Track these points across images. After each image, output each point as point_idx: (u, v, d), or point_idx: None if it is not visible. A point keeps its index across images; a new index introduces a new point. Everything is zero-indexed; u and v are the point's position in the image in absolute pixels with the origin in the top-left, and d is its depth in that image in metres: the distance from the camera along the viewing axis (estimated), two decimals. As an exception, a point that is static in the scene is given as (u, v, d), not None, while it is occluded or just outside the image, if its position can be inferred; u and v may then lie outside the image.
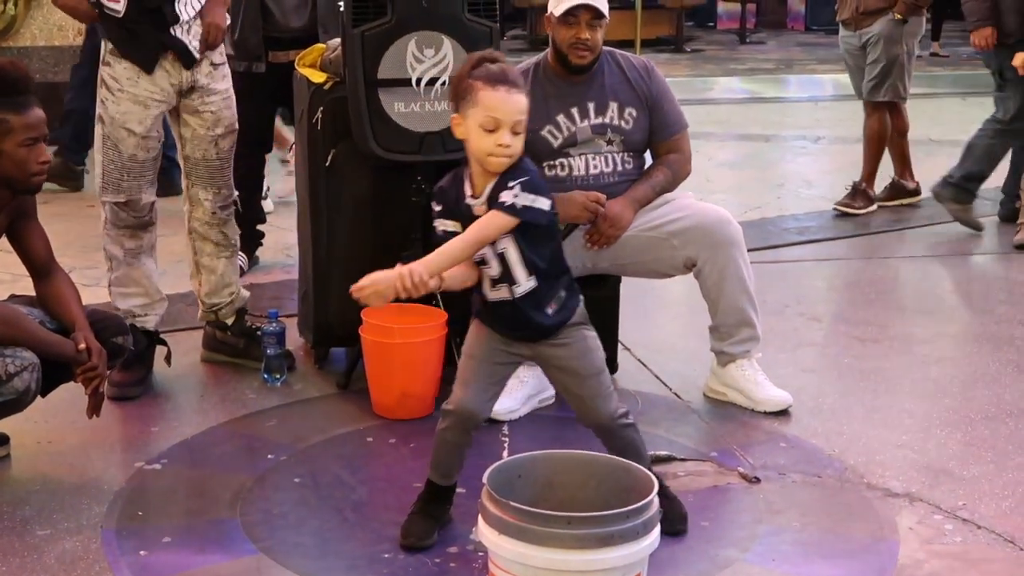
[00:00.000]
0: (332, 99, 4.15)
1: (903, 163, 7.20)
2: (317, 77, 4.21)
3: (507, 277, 3.01)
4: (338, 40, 4.17)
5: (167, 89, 4.11)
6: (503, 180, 2.92)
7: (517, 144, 2.93)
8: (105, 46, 4.10)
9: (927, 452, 3.80)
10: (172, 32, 4.04)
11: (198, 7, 4.08)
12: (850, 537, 3.28)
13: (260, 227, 5.57)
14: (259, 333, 4.38)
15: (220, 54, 4.24)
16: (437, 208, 3.07)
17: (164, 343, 4.21)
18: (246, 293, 4.54)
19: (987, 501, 3.47)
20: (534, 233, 2.98)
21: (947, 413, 4.12)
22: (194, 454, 3.76)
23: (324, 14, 5.06)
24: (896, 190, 7.19)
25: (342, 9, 4.08)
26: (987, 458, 3.78)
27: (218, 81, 4.23)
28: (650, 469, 2.98)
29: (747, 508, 3.44)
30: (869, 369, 4.55)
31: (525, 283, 3.02)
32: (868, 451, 3.79)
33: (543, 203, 2.94)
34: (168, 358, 4.18)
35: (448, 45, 3.94)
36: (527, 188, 2.91)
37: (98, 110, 4.12)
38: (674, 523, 3.18)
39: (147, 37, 4.03)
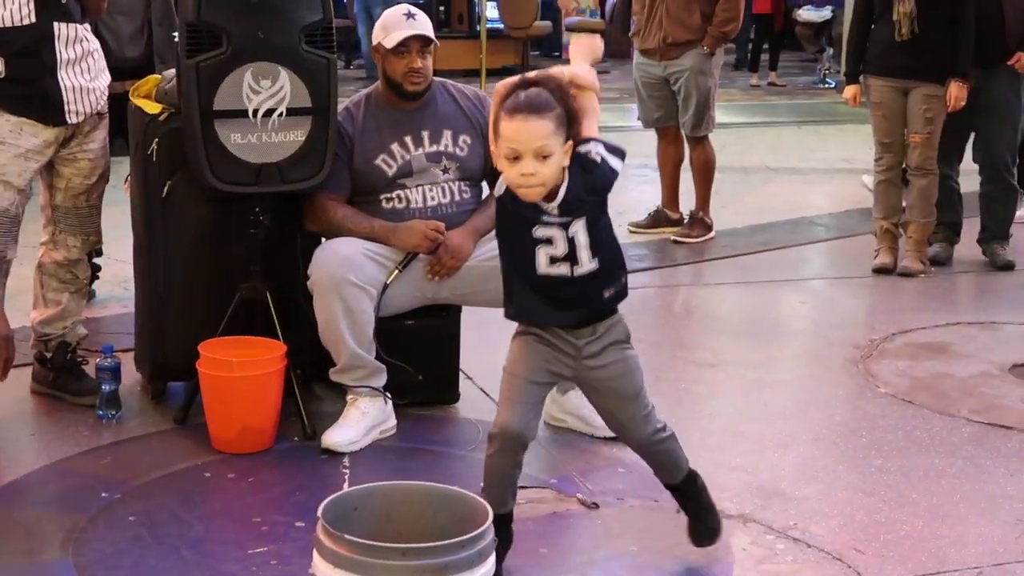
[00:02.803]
0: (167, 130, 4.09)
1: (672, 193, 7.29)
2: (152, 108, 4.16)
3: (571, 257, 3.03)
4: (173, 71, 4.13)
5: (50, 140, 4.06)
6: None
7: (545, 170, 2.93)
8: None
9: (760, 474, 3.90)
10: (58, 78, 3.98)
11: (84, 48, 4.05)
12: (686, 559, 3.34)
13: (96, 260, 5.47)
14: (83, 366, 4.34)
15: (103, 104, 4.21)
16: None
17: None
18: (83, 331, 4.46)
19: (817, 520, 3.57)
20: (598, 219, 3.04)
21: (779, 435, 4.23)
22: (24, 494, 3.67)
23: (160, 45, 5.01)
24: (659, 219, 7.30)
25: (177, 40, 4.05)
26: (818, 478, 3.89)
27: (99, 130, 4.21)
28: (689, 473, 3.26)
29: (586, 534, 3.49)
30: (705, 394, 4.65)
31: (588, 264, 3.05)
32: (704, 474, 3.80)
33: (617, 163, 3.04)
34: None
35: (285, 76, 3.92)
36: (607, 147, 3.04)
37: None
38: (702, 537, 3.33)
39: (34, 89, 3.97)
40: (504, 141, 2.93)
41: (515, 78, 3.04)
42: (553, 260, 3.04)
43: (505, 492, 3.15)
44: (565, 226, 3.01)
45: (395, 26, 4.09)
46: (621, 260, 3.17)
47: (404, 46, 4.06)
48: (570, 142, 2.97)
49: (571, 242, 3.02)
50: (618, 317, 3.19)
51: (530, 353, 3.12)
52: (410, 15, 4.11)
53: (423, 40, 4.08)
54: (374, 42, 4.16)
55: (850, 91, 6.47)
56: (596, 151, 3.02)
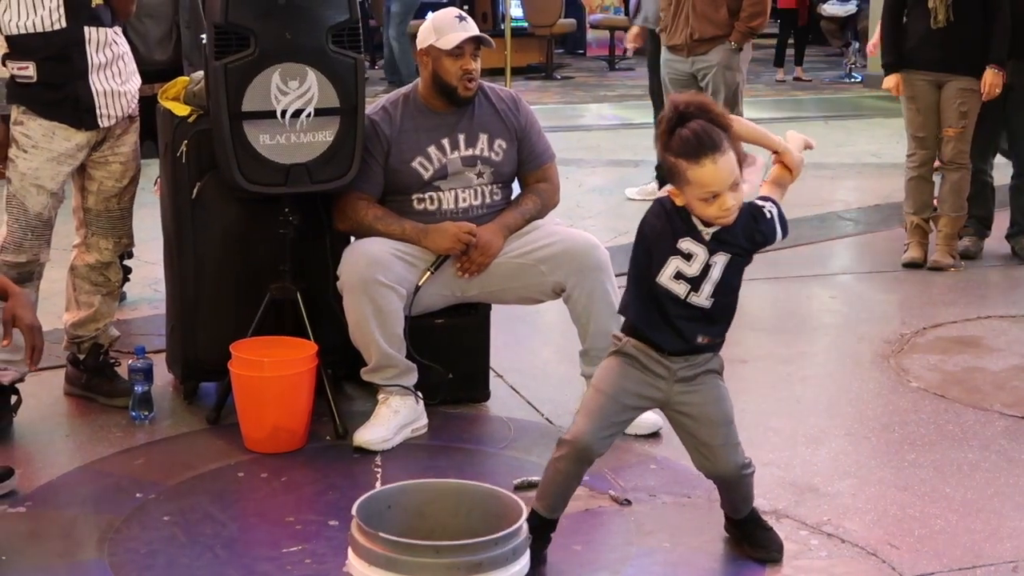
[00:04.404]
0: (197, 132, 4.11)
1: None
2: (181, 110, 4.18)
3: (696, 283, 3.06)
4: (201, 73, 4.15)
5: (82, 144, 4.08)
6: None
7: (739, 196, 3.02)
8: (16, 109, 4.04)
9: (793, 469, 3.89)
10: (89, 82, 4.01)
11: (114, 51, 4.08)
12: (718, 556, 3.34)
13: (127, 262, 5.50)
14: (115, 368, 4.37)
15: (134, 107, 4.23)
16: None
17: (16, 392, 4.11)
18: (115, 333, 4.48)
19: (851, 516, 3.56)
20: (737, 267, 3.11)
21: (811, 431, 4.21)
22: (60, 495, 3.69)
23: (188, 47, 5.02)
24: None
25: (205, 42, 4.06)
26: (851, 473, 3.88)
27: (131, 133, 4.23)
28: (755, 511, 3.25)
29: (618, 531, 3.49)
30: (735, 389, 4.54)
31: (704, 299, 3.08)
32: (736, 470, 3.85)
33: (781, 231, 3.17)
34: (16, 407, 4.10)
35: (312, 77, 3.93)
36: (780, 214, 3.17)
37: (7, 171, 4.07)
38: (771, 551, 3.29)
39: (66, 93, 4.00)
40: (698, 188, 2.97)
41: (665, 114, 3.04)
42: (678, 276, 3.07)
43: (559, 499, 3.18)
44: (711, 252, 3.06)
45: (449, 28, 4.08)
46: (729, 317, 3.19)
47: (460, 48, 4.06)
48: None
49: (706, 269, 3.06)
50: (716, 352, 3.21)
51: (622, 374, 3.14)
52: (461, 18, 4.11)
53: (476, 42, 4.09)
54: (422, 44, 4.12)
55: (891, 80, 6.32)
56: (770, 208, 3.15)
